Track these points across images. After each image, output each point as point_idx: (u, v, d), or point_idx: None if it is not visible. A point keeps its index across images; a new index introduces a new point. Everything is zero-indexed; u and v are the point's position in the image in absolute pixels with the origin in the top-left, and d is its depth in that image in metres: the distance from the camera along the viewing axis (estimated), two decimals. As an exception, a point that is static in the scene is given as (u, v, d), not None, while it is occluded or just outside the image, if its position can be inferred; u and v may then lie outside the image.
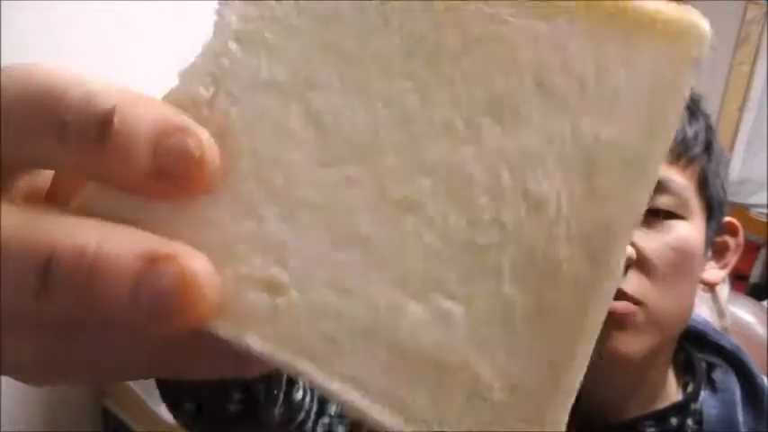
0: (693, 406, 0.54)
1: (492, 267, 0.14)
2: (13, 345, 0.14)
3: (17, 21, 1.30)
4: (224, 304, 0.14)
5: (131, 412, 1.46)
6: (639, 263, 0.48)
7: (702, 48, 0.17)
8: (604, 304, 0.14)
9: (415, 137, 0.15)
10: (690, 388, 0.56)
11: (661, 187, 0.48)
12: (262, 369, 0.16)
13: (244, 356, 0.14)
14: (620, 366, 0.48)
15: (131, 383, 1.33)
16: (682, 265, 0.49)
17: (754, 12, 2.17)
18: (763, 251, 2.22)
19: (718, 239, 0.56)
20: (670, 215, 0.49)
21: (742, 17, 2.19)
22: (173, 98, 0.16)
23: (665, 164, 0.49)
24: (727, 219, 0.56)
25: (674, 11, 0.16)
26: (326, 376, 0.14)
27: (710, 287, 0.55)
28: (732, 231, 0.56)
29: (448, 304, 0.14)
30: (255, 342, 0.14)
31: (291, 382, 0.43)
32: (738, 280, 2.11)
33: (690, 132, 0.50)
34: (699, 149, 0.51)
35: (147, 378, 0.16)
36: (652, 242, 0.48)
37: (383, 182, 0.15)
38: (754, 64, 2.20)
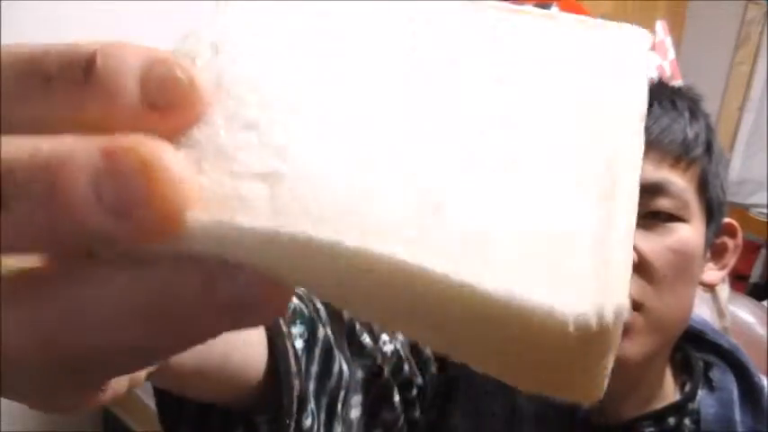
0: (691, 405, 0.54)
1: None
2: None
3: (17, 21, 1.29)
4: (210, 201, 0.13)
5: (131, 412, 1.46)
6: (640, 266, 0.48)
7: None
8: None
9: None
10: (687, 387, 0.56)
11: (661, 189, 0.48)
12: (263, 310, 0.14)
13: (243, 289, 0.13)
14: (618, 369, 0.47)
15: (131, 383, 1.33)
16: (682, 267, 0.49)
17: (754, 12, 2.17)
18: (763, 251, 2.22)
19: (717, 241, 0.56)
20: (670, 217, 0.49)
21: (742, 17, 2.19)
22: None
23: (666, 166, 0.49)
24: (727, 220, 0.56)
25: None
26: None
27: (710, 288, 0.55)
28: (731, 233, 0.56)
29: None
30: (252, 222, 0.13)
31: (300, 410, 0.40)
32: (738, 280, 2.11)
33: (690, 133, 0.50)
34: (699, 151, 0.51)
35: (148, 361, 0.16)
36: (652, 245, 0.48)
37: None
38: (754, 64, 2.20)
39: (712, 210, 0.53)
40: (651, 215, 0.49)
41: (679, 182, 0.49)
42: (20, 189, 0.12)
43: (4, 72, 0.13)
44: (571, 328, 0.12)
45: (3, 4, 1.26)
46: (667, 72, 1.51)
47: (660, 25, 1.51)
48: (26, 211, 0.12)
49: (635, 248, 0.47)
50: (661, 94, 0.52)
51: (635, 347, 0.48)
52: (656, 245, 0.48)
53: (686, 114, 0.51)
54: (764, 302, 1.65)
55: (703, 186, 0.51)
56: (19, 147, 0.12)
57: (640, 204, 0.46)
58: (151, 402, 1.39)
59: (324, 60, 0.15)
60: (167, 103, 0.13)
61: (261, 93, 0.14)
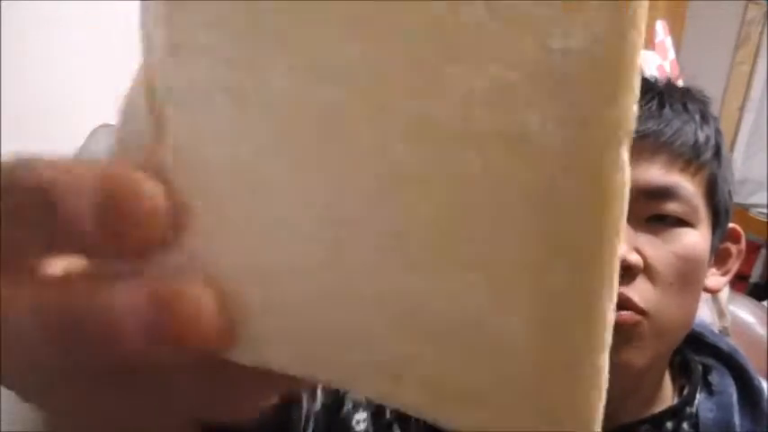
0: (689, 409, 0.54)
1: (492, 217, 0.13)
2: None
3: (17, 21, 1.29)
4: (235, 328, 0.14)
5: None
6: (646, 271, 0.47)
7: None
8: (615, 225, 0.14)
9: (376, 104, 0.13)
10: (686, 391, 0.55)
11: (670, 193, 0.47)
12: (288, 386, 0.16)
13: (270, 378, 0.15)
14: (620, 375, 0.46)
15: None
16: (688, 274, 0.48)
17: (754, 12, 2.17)
18: (763, 251, 2.23)
19: (722, 246, 0.54)
20: (678, 222, 0.48)
21: (742, 17, 2.19)
22: (119, 123, 0.16)
23: (676, 170, 0.48)
24: (730, 225, 0.55)
25: None
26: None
27: (712, 294, 0.55)
28: (735, 238, 0.55)
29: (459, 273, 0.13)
30: (275, 360, 0.15)
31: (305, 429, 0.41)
32: (738, 280, 2.11)
33: (701, 137, 0.49)
34: (709, 155, 0.50)
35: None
36: (659, 250, 0.47)
37: (352, 160, 0.13)
38: (754, 64, 2.20)
39: (719, 215, 0.51)
40: (658, 219, 0.48)
41: (688, 186, 0.48)
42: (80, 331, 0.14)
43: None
44: None
45: (3, 4, 1.26)
46: (667, 72, 1.51)
47: (660, 25, 1.51)
48: (85, 349, 0.14)
49: (641, 253, 0.46)
50: (672, 95, 0.51)
51: (639, 354, 0.47)
52: (663, 250, 0.47)
53: (697, 117, 0.50)
54: (764, 302, 1.65)
55: (712, 191, 0.50)
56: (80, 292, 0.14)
57: (648, 207, 0.44)
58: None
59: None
60: (127, 239, 0.14)
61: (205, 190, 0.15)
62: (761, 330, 1.40)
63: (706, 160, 0.50)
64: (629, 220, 0.47)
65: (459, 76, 0.13)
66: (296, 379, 0.15)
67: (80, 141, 1.41)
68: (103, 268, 0.15)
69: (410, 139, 0.13)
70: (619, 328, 0.42)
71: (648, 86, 0.51)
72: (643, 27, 0.12)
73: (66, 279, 0.15)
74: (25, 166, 0.14)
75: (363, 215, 0.14)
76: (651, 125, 0.48)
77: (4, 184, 0.14)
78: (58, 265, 0.15)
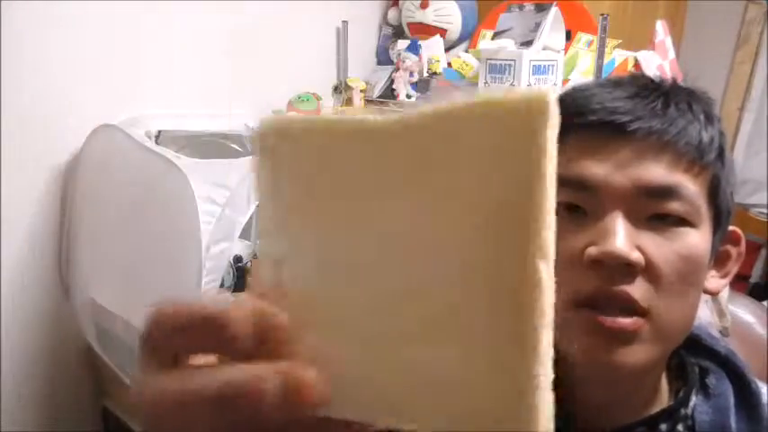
0: (684, 411, 0.53)
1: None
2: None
3: (17, 21, 1.30)
4: (329, 392, 0.22)
5: (131, 412, 1.46)
6: (647, 270, 0.46)
7: (549, 112, 0.20)
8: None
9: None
10: (681, 393, 0.55)
11: (673, 193, 0.47)
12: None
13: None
14: (618, 376, 0.47)
15: (130, 383, 1.33)
16: (689, 274, 0.48)
17: (754, 12, 2.17)
18: (763, 251, 2.22)
19: (722, 248, 0.54)
20: (680, 222, 0.48)
21: (742, 17, 2.19)
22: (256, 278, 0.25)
23: (680, 170, 0.48)
24: (730, 228, 0.54)
25: (520, 92, 0.21)
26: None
27: (712, 295, 0.54)
28: (734, 240, 0.55)
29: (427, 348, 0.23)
30: (350, 414, 0.24)
31: None
32: (738, 280, 2.11)
33: (705, 138, 0.49)
34: (713, 156, 0.49)
35: None
36: (661, 249, 0.47)
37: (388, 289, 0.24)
38: (754, 64, 2.20)
39: (721, 217, 0.51)
40: (660, 218, 0.47)
41: (691, 186, 0.48)
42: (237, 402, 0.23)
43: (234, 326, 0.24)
44: None
45: (2, 4, 1.26)
46: (667, 72, 1.51)
47: (660, 25, 1.51)
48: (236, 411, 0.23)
49: (642, 251, 0.46)
50: (677, 95, 0.50)
51: (638, 355, 0.46)
52: (665, 249, 0.47)
53: (702, 118, 0.50)
54: (764, 302, 1.65)
55: (714, 192, 0.50)
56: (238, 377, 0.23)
57: (650, 206, 0.44)
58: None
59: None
60: (270, 347, 0.23)
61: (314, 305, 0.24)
62: (761, 330, 1.39)
63: (709, 161, 0.49)
64: (632, 219, 0.47)
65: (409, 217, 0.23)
66: (362, 424, 0.24)
67: (80, 141, 1.41)
68: (242, 359, 0.23)
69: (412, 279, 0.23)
70: (621, 332, 0.41)
71: (654, 86, 0.51)
72: (546, 184, 0.22)
73: (224, 367, 0.24)
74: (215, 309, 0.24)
75: (394, 319, 0.23)
76: (655, 124, 0.48)
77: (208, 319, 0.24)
78: (203, 359, 0.25)
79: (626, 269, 0.45)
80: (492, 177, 0.21)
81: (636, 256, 0.45)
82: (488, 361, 0.21)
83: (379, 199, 0.23)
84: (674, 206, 0.47)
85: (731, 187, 0.52)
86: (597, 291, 0.45)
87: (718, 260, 0.54)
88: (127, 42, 1.47)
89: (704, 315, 1.40)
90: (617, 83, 0.52)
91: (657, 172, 0.47)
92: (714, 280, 0.54)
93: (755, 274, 2.23)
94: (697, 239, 0.48)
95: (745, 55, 2.21)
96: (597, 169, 0.48)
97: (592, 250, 0.46)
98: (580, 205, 0.49)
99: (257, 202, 0.28)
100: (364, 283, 0.24)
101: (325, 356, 0.23)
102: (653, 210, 0.48)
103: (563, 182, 0.50)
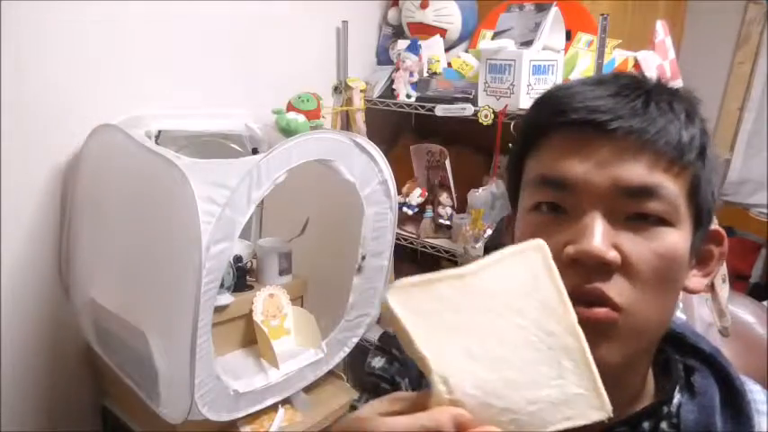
0: (666, 409, 0.54)
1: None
2: None
3: (17, 21, 1.29)
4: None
5: (131, 412, 1.46)
6: (624, 268, 0.47)
7: (545, 255, 0.41)
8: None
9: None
10: (666, 390, 0.55)
11: (652, 193, 0.48)
12: None
13: None
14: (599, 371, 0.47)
15: (131, 383, 1.33)
16: (666, 273, 0.48)
17: (754, 12, 2.17)
18: (763, 251, 2.22)
19: (703, 248, 0.54)
20: (659, 221, 0.48)
21: (742, 17, 2.19)
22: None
23: (659, 169, 0.48)
24: (714, 227, 0.55)
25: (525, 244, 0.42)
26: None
27: (693, 294, 0.54)
28: (717, 240, 0.55)
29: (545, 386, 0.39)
30: None
31: None
32: (738, 280, 2.11)
33: (686, 137, 0.49)
34: (693, 155, 0.50)
35: None
36: (638, 248, 0.48)
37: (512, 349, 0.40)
38: (754, 64, 2.20)
39: (701, 216, 0.52)
40: (640, 217, 0.48)
41: (671, 186, 0.48)
42: None
43: None
44: None
45: (2, 4, 1.26)
46: (667, 72, 1.51)
47: (660, 25, 1.51)
48: None
49: (620, 250, 0.47)
50: (660, 94, 0.51)
51: (613, 351, 0.47)
52: (643, 248, 0.48)
53: (682, 117, 0.50)
54: (764, 302, 1.65)
55: (694, 192, 0.50)
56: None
57: (630, 206, 0.47)
58: (151, 402, 1.39)
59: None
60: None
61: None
62: (761, 330, 1.39)
63: (690, 160, 0.49)
64: (610, 218, 0.48)
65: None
66: None
67: (80, 141, 1.41)
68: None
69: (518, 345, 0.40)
70: (594, 324, 0.44)
71: (637, 84, 0.51)
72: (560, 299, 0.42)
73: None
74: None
75: (517, 370, 0.39)
76: (635, 123, 0.48)
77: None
78: None
79: (603, 267, 0.47)
80: (530, 294, 0.40)
81: (612, 255, 0.46)
82: (570, 383, 0.39)
83: (484, 316, 0.39)
84: (653, 206, 0.48)
85: (713, 187, 0.52)
86: (575, 288, 0.45)
87: (700, 259, 0.55)
88: (127, 42, 1.47)
89: (704, 315, 1.40)
90: (600, 81, 0.52)
91: (636, 172, 0.48)
92: (696, 279, 0.54)
93: (755, 274, 2.23)
94: (675, 239, 0.49)
95: (745, 55, 2.21)
96: (577, 169, 0.49)
97: (570, 249, 0.47)
98: (561, 204, 0.50)
99: (412, 347, 0.38)
100: (498, 371, 0.38)
101: (478, 406, 0.38)
102: (632, 209, 0.48)
103: (546, 182, 0.51)
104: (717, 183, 0.53)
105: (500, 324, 0.39)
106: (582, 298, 0.46)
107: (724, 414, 0.53)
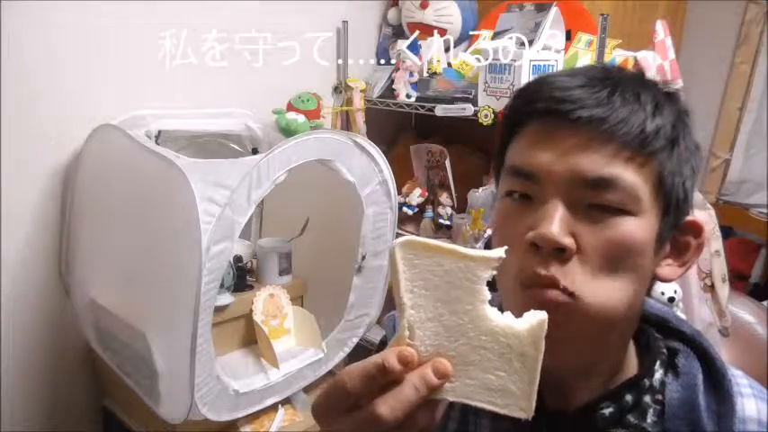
0: (648, 382, 0.55)
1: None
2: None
3: (17, 21, 1.30)
4: (450, 385, 0.43)
5: (131, 412, 1.46)
6: (579, 255, 0.49)
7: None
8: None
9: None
10: (646, 365, 0.57)
11: (609, 184, 0.48)
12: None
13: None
14: (560, 356, 0.47)
15: (131, 383, 1.33)
16: (621, 259, 0.49)
17: (754, 12, 2.17)
18: (763, 251, 2.22)
19: (681, 238, 0.55)
20: (618, 211, 0.49)
21: (742, 17, 2.19)
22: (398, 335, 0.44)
23: (619, 161, 0.48)
24: (692, 218, 0.55)
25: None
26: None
27: (666, 282, 0.56)
28: (695, 232, 0.56)
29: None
30: (454, 397, 0.43)
31: None
32: (738, 280, 2.11)
33: (650, 127, 0.49)
34: (659, 144, 0.50)
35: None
36: (594, 236, 0.49)
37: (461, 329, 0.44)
38: (754, 64, 2.20)
39: (670, 205, 0.52)
40: (599, 208, 0.49)
41: (630, 177, 0.49)
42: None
43: (351, 381, 0.42)
44: None
45: (2, 4, 1.26)
46: (667, 72, 1.51)
47: (660, 25, 1.51)
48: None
49: (577, 237, 0.48)
50: (627, 85, 0.51)
51: (569, 333, 0.49)
52: (598, 236, 0.49)
53: (649, 108, 0.50)
54: (764, 302, 1.65)
55: (661, 182, 0.51)
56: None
57: (588, 196, 0.49)
58: (151, 402, 1.38)
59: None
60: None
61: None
62: (761, 330, 1.40)
63: (654, 150, 0.50)
64: (571, 207, 0.49)
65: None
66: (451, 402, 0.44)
67: (80, 141, 1.41)
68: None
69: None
70: (546, 306, 0.45)
71: (605, 75, 0.52)
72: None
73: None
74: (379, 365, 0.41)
75: (472, 349, 0.44)
76: (597, 112, 0.49)
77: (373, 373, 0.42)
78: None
79: (559, 253, 0.48)
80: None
81: (567, 241, 0.48)
82: (510, 381, 0.43)
83: (469, 298, 0.43)
84: (610, 197, 0.49)
85: (685, 177, 0.53)
86: (533, 272, 0.49)
87: (677, 249, 0.55)
88: (127, 42, 1.47)
89: (704, 315, 1.40)
90: (573, 73, 0.53)
91: (595, 163, 0.49)
92: (670, 268, 0.55)
93: (755, 274, 2.23)
94: (632, 227, 0.49)
95: (745, 55, 2.21)
96: (542, 159, 0.50)
97: (529, 234, 0.49)
98: (528, 193, 0.51)
99: (398, 291, 0.43)
100: (456, 341, 0.43)
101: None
102: (590, 199, 0.49)
103: (516, 171, 0.53)
104: (695, 172, 0.54)
105: (479, 310, 0.43)
106: (538, 282, 0.48)
107: (707, 392, 0.55)
